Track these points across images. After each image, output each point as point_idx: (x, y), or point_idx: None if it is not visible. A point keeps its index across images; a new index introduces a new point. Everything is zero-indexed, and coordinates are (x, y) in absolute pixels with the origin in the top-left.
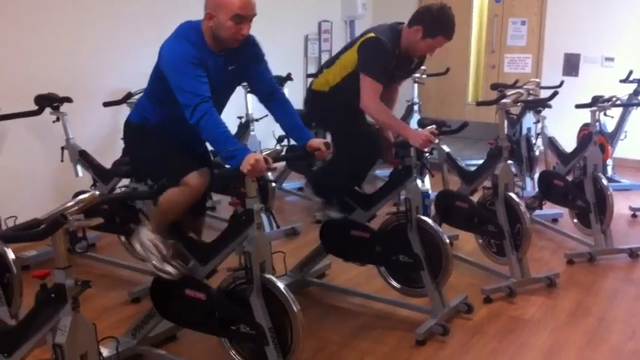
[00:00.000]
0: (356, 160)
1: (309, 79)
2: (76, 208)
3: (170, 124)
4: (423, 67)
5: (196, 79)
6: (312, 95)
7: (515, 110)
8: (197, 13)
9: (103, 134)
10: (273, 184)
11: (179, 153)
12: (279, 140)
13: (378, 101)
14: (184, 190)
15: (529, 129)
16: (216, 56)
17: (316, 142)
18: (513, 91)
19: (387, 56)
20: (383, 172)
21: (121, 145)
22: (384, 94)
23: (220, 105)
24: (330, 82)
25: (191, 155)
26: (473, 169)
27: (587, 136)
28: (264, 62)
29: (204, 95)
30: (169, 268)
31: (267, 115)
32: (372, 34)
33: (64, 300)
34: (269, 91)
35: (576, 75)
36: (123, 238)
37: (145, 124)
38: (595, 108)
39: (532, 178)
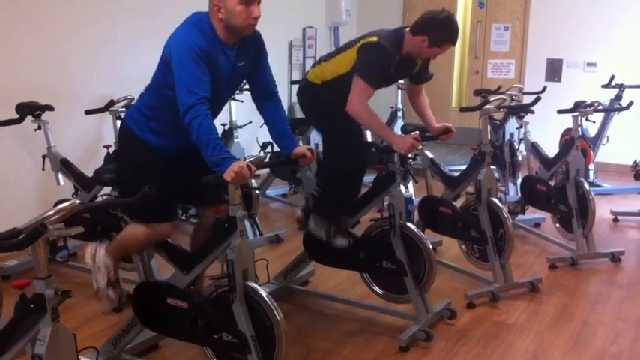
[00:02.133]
0: (346, 157)
1: (294, 86)
2: (56, 217)
3: (169, 128)
4: None
5: (197, 74)
6: (305, 84)
7: (498, 116)
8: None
9: (85, 142)
10: (257, 192)
11: (165, 191)
12: (263, 147)
13: (365, 104)
14: (150, 234)
15: (512, 134)
16: (229, 49)
17: (301, 149)
18: (496, 97)
19: (386, 63)
20: (367, 178)
21: (103, 153)
22: (413, 97)
23: (224, 102)
24: (325, 77)
25: (177, 196)
26: (456, 174)
27: (569, 141)
28: (267, 60)
29: (201, 95)
30: (110, 292)
31: (250, 122)
32: (375, 39)
33: (44, 310)
34: (267, 91)
35: (559, 80)
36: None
37: (146, 140)
38: (577, 113)
39: (515, 184)
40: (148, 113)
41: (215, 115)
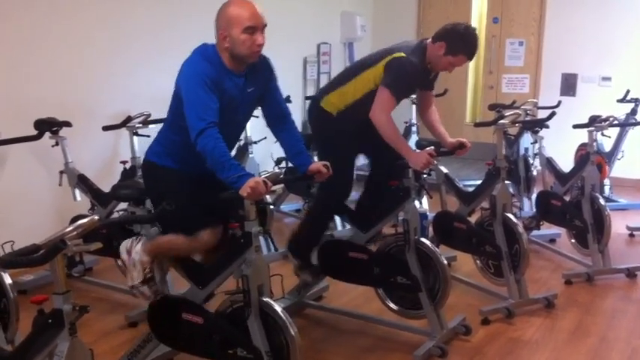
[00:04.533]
0: (327, 200)
1: (308, 102)
2: (75, 233)
3: (190, 156)
4: None
5: (205, 101)
6: (318, 111)
7: (512, 130)
8: (200, 37)
9: (103, 158)
10: (272, 207)
11: (197, 201)
12: (278, 162)
13: (388, 115)
14: (194, 243)
15: (527, 149)
16: (236, 77)
17: (316, 165)
18: (511, 112)
19: (414, 78)
20: None
21: (120, 168)
22: (424, 110)
23: (240, 129)
24: (347, 101)
25: (210, 205)
26: (471, 189)
27: (584, 155)
28: (277, 84)
29: (210, 120)
30: (146, 291)
31: (265, 138)
32: (403, 54)
33: (62, 325)
34: (279, 114)
35: (574, 95)
36: (120, 262)
37: (165, 165)
38: (592, 128)
39: (530, 199)
40: (166, 145)
41: (232, 144)
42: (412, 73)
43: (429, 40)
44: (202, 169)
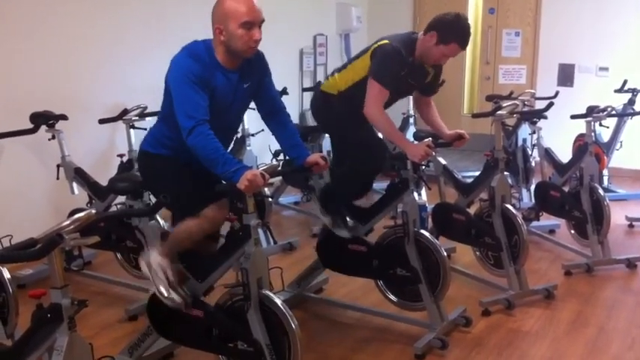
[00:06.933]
0: (358, 168)
1: (305, 93)
2: (72, 227)
3: (185, 151)
4: None
5: (194, 99)
6: (320, 96)
7: (510, 121)
8: (196, 29)
9: (99, 151)
10: (270, 199)
11: (197, 183)
12: (276, 155)
13: (381, 109)
14: (202, 222)
15: (525, 140)
16: (231, 73)
17: (314, 156)
18: (509, 103)
19: (399, 64)
20: (380, 185)
21: (117, 161)
22: (422, 109)
23: (236, 124)
24: (340, 87)
25: (208, 184)
26: (469, 180)
27: (582, 146)
28: (271, 79)
29: (199, 118)
30: (175, 296)
31: (263, 130)
32: (387, 41)
33: (61, 320)
34: (273, 108)
35: (571, 85)
36: (119, 256)
37: (159, 154)
38: (590, 118)
39: (528, 190)
40: (160, 136)
41: (229, 139)
42: (395, 58)
43: (421, 34)
44: (198, 162)
